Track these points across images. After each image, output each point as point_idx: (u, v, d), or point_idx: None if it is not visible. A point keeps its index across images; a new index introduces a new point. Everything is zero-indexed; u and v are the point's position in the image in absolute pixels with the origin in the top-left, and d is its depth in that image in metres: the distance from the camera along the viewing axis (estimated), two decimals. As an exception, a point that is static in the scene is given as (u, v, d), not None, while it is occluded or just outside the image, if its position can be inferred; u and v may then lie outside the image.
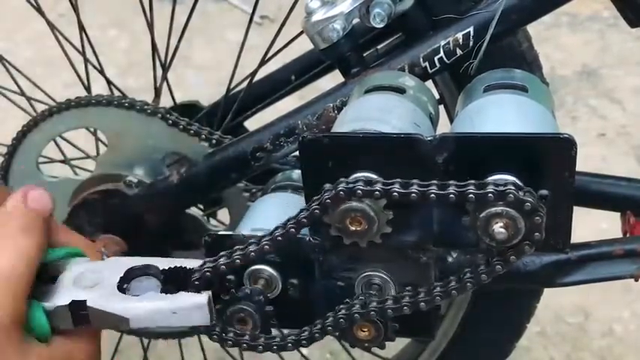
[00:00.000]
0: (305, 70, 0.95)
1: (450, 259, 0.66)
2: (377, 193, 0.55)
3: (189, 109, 0.90)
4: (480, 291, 0.69)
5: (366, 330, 0.61)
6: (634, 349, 1.42)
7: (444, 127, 0.67)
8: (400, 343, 1.05)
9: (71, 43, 0.90)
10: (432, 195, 0.54)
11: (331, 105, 0.72)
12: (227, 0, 2.25)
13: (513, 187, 0.53)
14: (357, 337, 0.62)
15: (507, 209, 0.53)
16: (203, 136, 0.78)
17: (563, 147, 0.54)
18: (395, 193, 0.54)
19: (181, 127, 0.78)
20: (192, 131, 0.78)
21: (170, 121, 0.78)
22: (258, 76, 1.00)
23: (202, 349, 1.12)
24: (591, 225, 1.11)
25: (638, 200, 0.80)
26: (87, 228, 0.82)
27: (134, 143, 0.81)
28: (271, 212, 0.71)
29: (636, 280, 0.75)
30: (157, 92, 0.86)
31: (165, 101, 0.99)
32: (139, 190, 0.80)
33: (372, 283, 0.63)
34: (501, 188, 0.53)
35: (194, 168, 0.77)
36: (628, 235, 0.79)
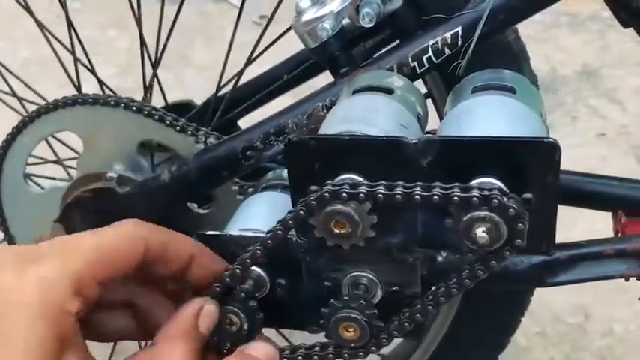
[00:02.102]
0: (298, 70, 0.96)
1: (439, 259, 0.66)
2: (362, 195, 0.55)
3: (182, 109, 0.90)
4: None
5: (352, 330, 0.61)
6: (634, 349, 1.42)
7: (434, 125, 0.67)
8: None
9: (61, 43, 0.90)
10: (417, 197, 0.54)
11: (321, 104, 0.72)
12: (227, 0, 2.25)
13: (497, 192, 0.53)
14: (343, 337, 0.62)
15: (489, 214, 0.53)
16: (168, 122, 0.79)
17: (546, 151, 0.54)
18: (380, 195, 0.55)
19: (146, 113, 0.79)
20: (157, 117, 0.79)
21: (134, 108, 0.79)
22: (252, 75, 1.01)
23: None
24: (589, 225, 1.11)
25: (629, 200, 0.80)
26: (79, 227, 0.82)
27: (107, 138, 0.82)
28: (259, 212, 0.71)
29: (626, 280, 0.75)
30: (147, 90, 0.86)
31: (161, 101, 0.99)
32: (130, 188, 0.80)
33: (359, 283, 0.63)
34: (485, 193, 0.53)
35: (185, 166, 0.77)
36: (619, 235, 0.79)
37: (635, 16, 0.76)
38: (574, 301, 1.50)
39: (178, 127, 0.79)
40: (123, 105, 0.80)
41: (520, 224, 0.53)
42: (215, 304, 0.61)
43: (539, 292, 1.45)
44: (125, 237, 0.56)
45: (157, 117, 0.80)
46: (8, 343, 0.49)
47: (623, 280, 0.74)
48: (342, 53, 0.72)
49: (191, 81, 2.08)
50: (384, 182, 0.56)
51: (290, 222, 0.58)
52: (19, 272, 0.50)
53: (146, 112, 0.80)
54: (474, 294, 0.88)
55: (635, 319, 1.44)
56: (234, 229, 0.69)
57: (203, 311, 0.60)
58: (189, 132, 0.80)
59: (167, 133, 0.80)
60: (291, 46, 0.91)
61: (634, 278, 0.74)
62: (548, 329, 1.47)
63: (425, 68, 0.71)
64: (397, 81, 0.67)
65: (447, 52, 0.70)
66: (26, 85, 0.97)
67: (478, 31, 0.67)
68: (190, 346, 0.58)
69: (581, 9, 2.26)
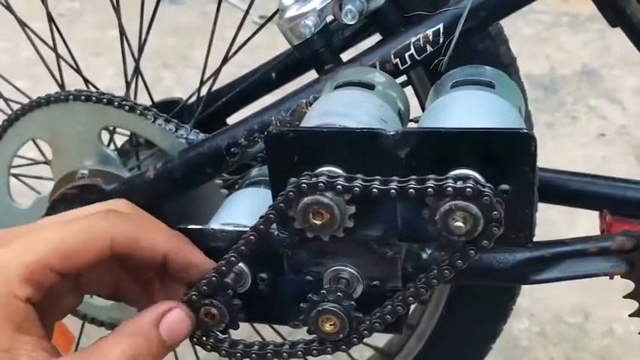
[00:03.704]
0: (286, 68, 0.96)
1: (424, 256, 0.66)
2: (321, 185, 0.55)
3: (170, 107, 0.90)
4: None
5: (332, 323, 0.62)
6: (634, 349, 1.42)
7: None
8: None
9: (42, 40, 0.90)
10: (392, 190, 0.55)
11: (304, 101, 0.73)
12: (227, 0, 2.26)
13: (472, 182, 0.53)
14: (323, 330, 0.62)
15: (465, 203, 0.53)
16: (116, 103, 0.80)
17: (522, 142, 0.54)
18: (339, 187, 0.55)
19: (94, 99, 0.80)
20: (105, 100, 0.80)
21: (83, 98, 0.80)
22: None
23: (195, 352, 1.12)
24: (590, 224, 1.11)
25: (615, 199, 0.80)
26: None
27: (68, 135, 0.83)
28: (242, 208, 0.72)
29: (611, 279, 0.75)
30: (128, 86, 0.86)
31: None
32: (116, 185, 0.81)
33: (341, 277, 0.63)
34: (459, 183, 0.53)
35: (169, 163, 0.77)
36: (605, 234, 0.79)
37: (623, 15, 0.76)
38: (574, 301, 1.50)
39: (127, 107, 0.80)
40: (72, 97, 0.81)
41: (496, 213, 0.53)
42: (186, 311, 0.61)
43: (539, 292, 1.46)
44: (89, 233, 0.57)
45: (105, 101, 0.80)
46: None
47: (622, 280, 0.74)
48: (325, 50, 0.73)
49: (191, 81, 2.09)
50: (360, 175, 0.56)
51: (271, 215, 0.58)
52: None
53: (95, 98, 0.80)
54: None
55: (635, 319, 1.44)
56: (216, 223, 0.69)
57: (167, 317, 0.59)
58: (138, 111, 0.80)
59: (118, 114, 0.81)
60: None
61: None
62: (548, 329, 1.47)
63: (407, 65, 0.71)
64: (379, 77, 0.67)
65: (429, 49, 0.70)
66: (16, 87, 0.97)
67: (459, 28, 0.67)
68: (137, 345, 0.56)
69: (581, 9, 2.26)
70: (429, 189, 0.54)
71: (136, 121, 0.81)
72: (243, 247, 0.60)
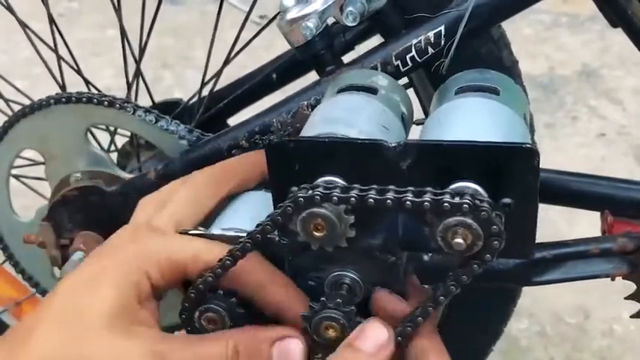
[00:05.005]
0: (287, 68, 0.96)
1: (425, 258, 0.66)
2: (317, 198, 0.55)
3: (171, 108, 0.90)
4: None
5: (332, 330, 0.61)
6: (634, 349, 1.42)
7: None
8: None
9: (43, 41, 0.90)
10: (389, 202, 0.54)
11: (305, 103, 0.73)
12: (227, 0, 2.25)
13: (474, 198, 0.53)
14: (325, 336, 0.62)
15: (465, 219, 0.53)
16: (96, 100, 0.80)
17: (525, 156, 0.54)
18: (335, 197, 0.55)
19: (74, 99, 0.80)
20: (84, 99, 0.80)
21: (64, 100, 0.81)
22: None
23: None
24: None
25: (616, 199, 0.80)
26: (66, 225, 0.82)
27: (56, 139, 0.83)
28: (244, 213, 0.71)
29: (613, 280, 0.75)
30: (129, 87, 0.86)
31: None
32: (117, 187, 0.81)
33: (342, 282, 0.63)
34: (462, 199, 0.53)
35: (171, 165, 0.77)
36: (606, 235, 0.79)
37: (624, 15, 0.76)
38: (574, 301, 1.50)
39: (106, 103, 0.80)
40: (53, 101, 0.81)
41: (496, 228, 0.53)
42: (304, 344, 0.60)
43: (539, 292, 1.46)
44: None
45: (84, 100, 0.80)
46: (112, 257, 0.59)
47: (623, 280, 0.74)
48: (326, 52, 0.72)
49: (191, 81, 2.09)
50: (357, 186, 0.56)
51: (268, 226, 0.58)
52: (145, 236, 0.61)
53: (74, 98, 0.80)
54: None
55: (636, 320, 1.44)
56: (217, 228, 0.68)
57: (285, 341, 0.60)
58: (117, 105, 0.80)
59: (99, 111, 0.81)
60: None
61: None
62: (548, 329, 1.48)
63: (409, 67, 0.71)
64: (381, 80, 0.67)
65: (431, 51, 0.70)
66: (16, 88, 0.97)
67: (460, 30, 0.67)
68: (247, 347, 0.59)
69: (581, 9, 2.27)
70: (426, 203, 0.53)
71: (115, 115, 0.80)
72: (238, 253, 0.60)
